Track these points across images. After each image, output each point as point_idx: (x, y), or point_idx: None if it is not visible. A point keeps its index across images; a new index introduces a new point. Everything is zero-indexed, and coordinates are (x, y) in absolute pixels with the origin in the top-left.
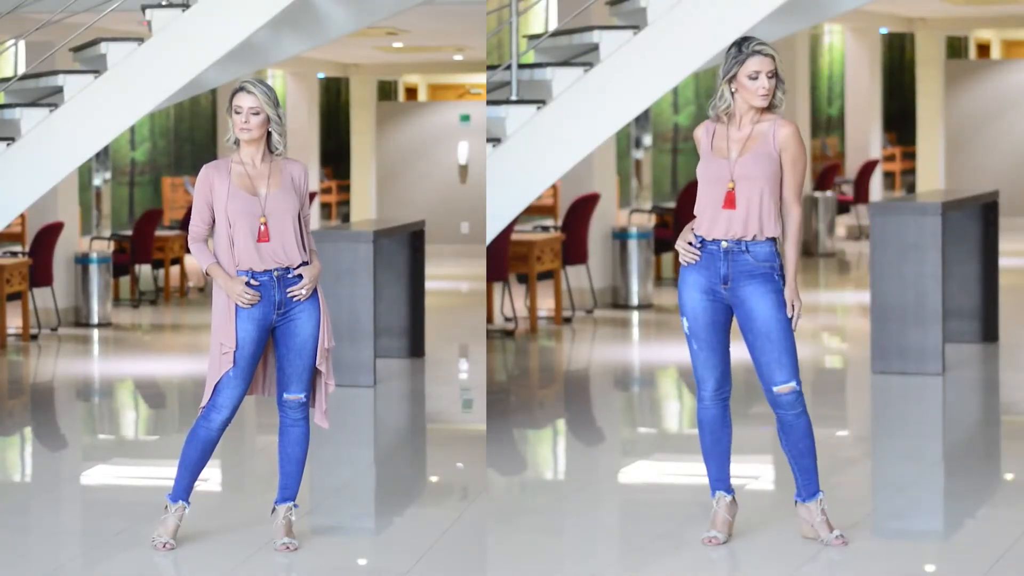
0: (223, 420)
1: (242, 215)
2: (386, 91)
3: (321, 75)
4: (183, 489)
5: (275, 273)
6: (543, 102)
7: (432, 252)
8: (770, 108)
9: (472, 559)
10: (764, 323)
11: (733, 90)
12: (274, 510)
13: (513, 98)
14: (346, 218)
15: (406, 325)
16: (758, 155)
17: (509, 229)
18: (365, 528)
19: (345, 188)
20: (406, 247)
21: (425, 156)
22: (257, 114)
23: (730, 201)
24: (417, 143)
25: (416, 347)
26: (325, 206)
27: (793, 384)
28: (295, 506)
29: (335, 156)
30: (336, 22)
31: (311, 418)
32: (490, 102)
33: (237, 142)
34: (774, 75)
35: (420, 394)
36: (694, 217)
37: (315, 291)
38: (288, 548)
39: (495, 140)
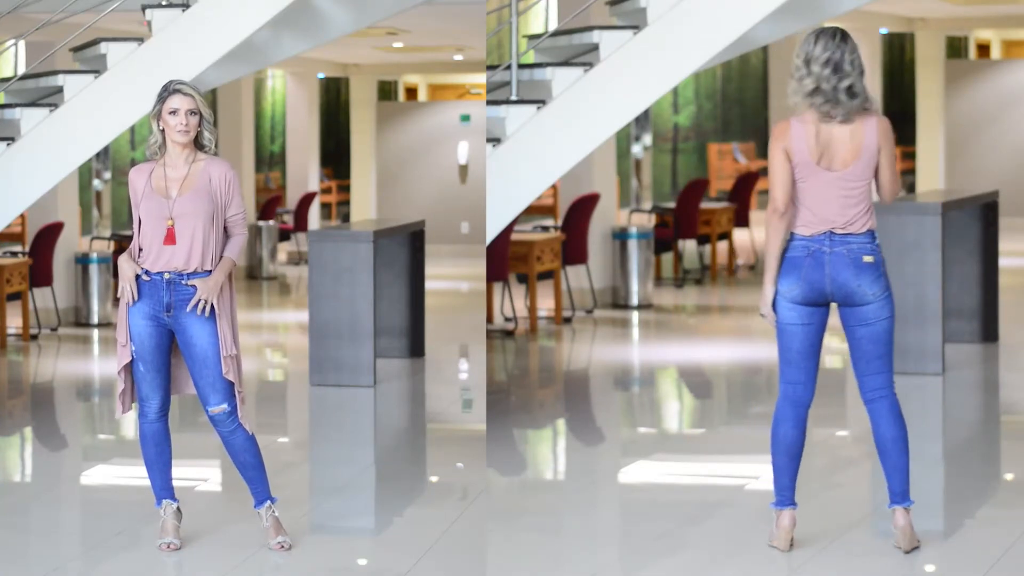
0: (155, 409)
1: (152, 217)
2: (386, 91)
3: (321, 75)
4: (161, 488)
5: (165, 275)
6: (543, 102)
7: (432, 252)
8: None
9: (472, 559)
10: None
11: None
12: (258, 513)
13: (513, 98)
14: (346, 218)
15: (406, 325)
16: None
17: (509, 229)
18: (365, 528)
19: (345, 188)
20: (406, 247)
21: (425, 156)
22: (195, 114)
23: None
24: (417, 143)
25: (416, 347)
26: (325, 206)
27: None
28: (274, 501)
29: (335, 156)
30: (336, 22)
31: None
32: (490, 102)
33: (161, 148)
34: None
35: (420, 394)
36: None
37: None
38: (283, 547)
39: (495, 140)
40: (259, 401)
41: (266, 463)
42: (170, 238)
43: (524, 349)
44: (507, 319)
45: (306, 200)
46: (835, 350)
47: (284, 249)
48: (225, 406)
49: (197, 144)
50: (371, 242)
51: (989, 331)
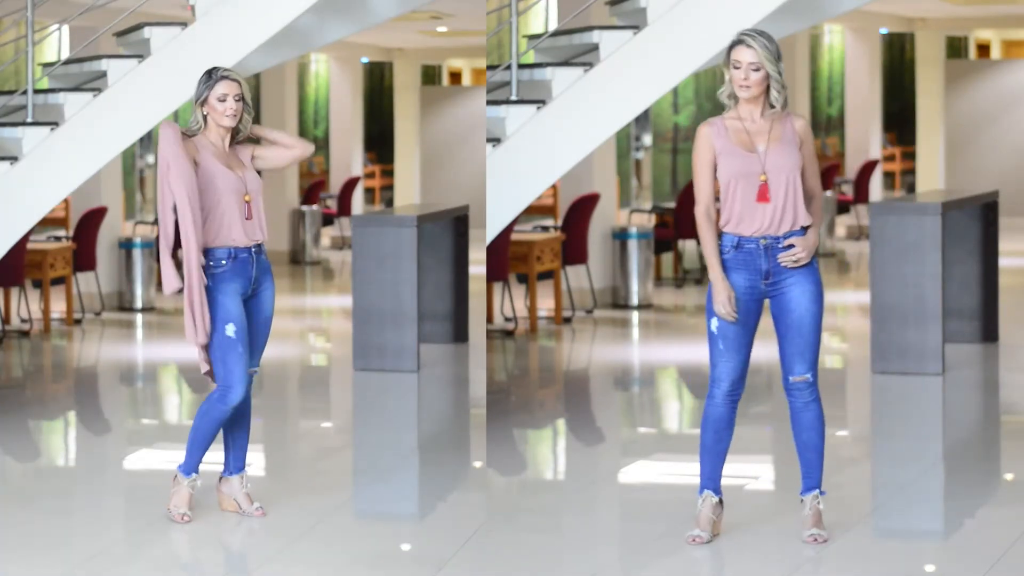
0: (240, 395)
1: (231, 193)
2: (430, 75)
3: (365, 59)
4: (198, 463)
5: (253, 249)
6: (543, 102)
7: (476, 237)
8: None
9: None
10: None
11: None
12: (228, 480)
13: (513, 98)
14: (390, 203)
15: (450, 310)
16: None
17: (509, 229)
18: (408, 513)
19: (389, 173)
20: (450, 232)
21: (469, 141)
22: (239, 100)
23: (763, 194)
24: (461, 128)
25: (460, 332)
26: (369, 191)
27: (808, 376)
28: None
29: (379, 141)
30: (380, 6)
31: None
32: (490, 102)
33: (196, 130)
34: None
35: (464, 379)
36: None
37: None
38: (263, 511)
39: (495, 140)
40: (302, 386)
41: (308, 448)
42: (249, 214)
43: (524, 349)
44: (507, 319)
45: (350, 185)
46: (835, 350)
47: (327, 234)
48: (256, 370)
49: (236, 131)
50: (415, 227)
51: (989, 331)
